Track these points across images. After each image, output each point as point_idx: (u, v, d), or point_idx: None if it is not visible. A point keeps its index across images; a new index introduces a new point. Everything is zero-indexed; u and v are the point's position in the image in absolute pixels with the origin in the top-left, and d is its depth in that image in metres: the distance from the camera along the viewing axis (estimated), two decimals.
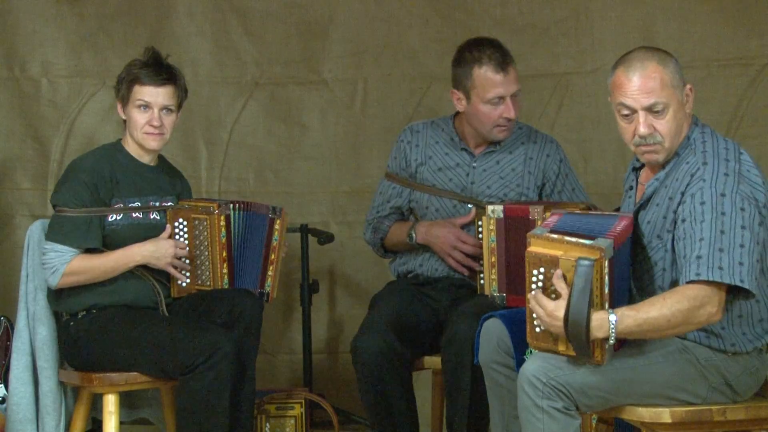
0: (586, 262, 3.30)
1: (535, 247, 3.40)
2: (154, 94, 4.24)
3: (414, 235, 4.48)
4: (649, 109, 3.50)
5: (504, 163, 4.48)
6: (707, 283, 3.34)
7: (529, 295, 3.42)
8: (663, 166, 3.59)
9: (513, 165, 4.47)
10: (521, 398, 3.42)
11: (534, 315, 3.44)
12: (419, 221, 4.53)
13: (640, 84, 3.49)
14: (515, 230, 4.17)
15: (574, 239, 3.37)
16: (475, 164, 4.49)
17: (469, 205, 4.41)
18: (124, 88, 4.27)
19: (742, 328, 3.52)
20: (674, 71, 3.53)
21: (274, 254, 4.42)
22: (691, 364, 3.49)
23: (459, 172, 4.50)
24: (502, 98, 4.36)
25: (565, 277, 3.34)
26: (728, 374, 3.51)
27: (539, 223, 4.07)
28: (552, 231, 3.43)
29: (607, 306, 3.35)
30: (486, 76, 4.36)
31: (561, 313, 3.32)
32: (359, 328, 4.32)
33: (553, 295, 3.37)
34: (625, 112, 3.53)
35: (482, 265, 4.27)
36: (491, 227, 4.20)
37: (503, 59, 4.37)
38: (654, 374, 3.46)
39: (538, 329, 3.44)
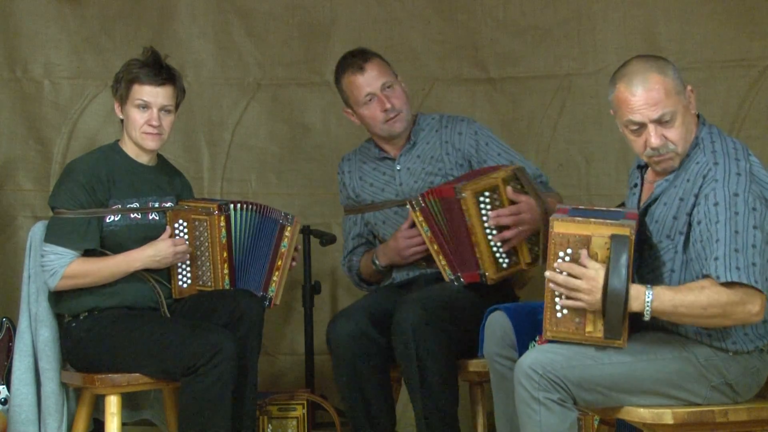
0: (622, 237, 3.31)
1: (561, 228, 3.40)
2: (154, 94, 4.25)
3: (377, 261, 4.59)
4: (658, 121, 3.50)
5: (423, 155, 4.57)
6: (744, 284, 3.34)
7: (550, 273, 3.41)
8: None
9: (431, 153, 4.56)
10: (518, 390, 3.43)
11: (557, 298, 3.43)
12: (377, 247, 4.62)
13: (645, 98, 3.49)
14: (448, 211, 4.26)
15: (600, 220, 3.38)
16: (398, 167, 4.60)
17: (407, 206, 4.46)
18: (122, 87, 4.27)
19: (744, 328, 3.52)
20: (674, 77, 3.53)
21: (281, 260, 4.42)
22: (691, 363, 3.49)
23: (387, 179, 4.61)
24: (372, 95, 4.49)
25: (596, 255, 3.35)
26: (729, 374, 3.51)
27: (463, 202, 4.18)
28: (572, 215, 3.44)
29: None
30: (349, 81, 4.52)
31: (601, 277, 3.33)
32: (335, 315, 4.39)
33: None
34: (634, 127, 3.53)
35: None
36: (420, 219, 4.32)
37: (360, 60, 4.52)
38: (652, 371, 3.46)
39: (559, 314, 3.43)
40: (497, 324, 3.77)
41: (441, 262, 4.33)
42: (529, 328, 3.61)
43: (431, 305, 4.18)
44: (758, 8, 5.07)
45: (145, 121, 4.26)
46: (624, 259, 3.31)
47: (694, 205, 3.47)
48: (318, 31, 5.42)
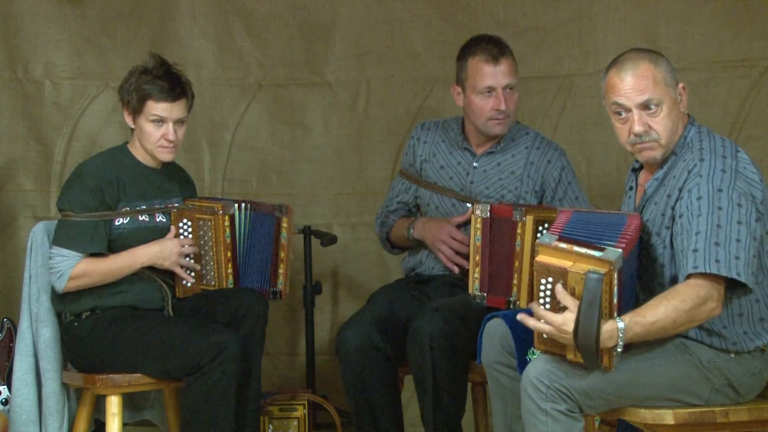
0: (596, 276, 3.27)
1: (543, 257, 3.38)
2: (169, 110, 4.23)
3: (412, 230, 4.52)
4: (644, 107, 3.52)
5: (504, 165, 4.49)
6: (705, 277, 3.35)
7: (532, 306, 3.40)
8: (661, 165, 3.60)
9: (513, 168, 4.48)
10: (524, 401, 3.42)
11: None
12: (420, 217, 4.56)
13: (633, 83, 3.52)
14: (499, 231, 4.20)
15: (583, 250, 3.34)
16: (476, 164, 4.51)
17: (468, 204, 4.42)
18: (134, 101, 4.23)
19: (743, 326, 3.53)
20: (666, 70, 3.55)
21: (284, 252, 4.43)
22: (694, 366, 3.49)
23: (459, 170, 4.52)
24: (492, 89, 4.39)
25: (573, 290, 3.32)
26: (731, 375, 3.51)
27: (520, 225, 4.10)
28: (561, 238, 3.40)
29: (615, 314, 3.35)
30: (477, 66, 4.41)
31: (570, 327, 3.31)
32: (345, 323, 4.37)
33: (560, 304, 3.36)
34: (620, 111, 3.55)
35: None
36: (477, 226, 4.23)
37: (497, 51, 4.41)
38: (657, 376, 3.46)
39: (545, 335, 3.42)
40: (496, 331, 3.76)
41: (474, 274, 4.24)
42: (527, 335, 3.59)
43: (451, 318, 4.15)
44: (759, 9, 5.07)
45: (161, 135, 4.24)
46: (596, 300, 3.27)
47: (677, 199, 3.48)
48: (319, 31, 5.42)
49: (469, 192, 4.49)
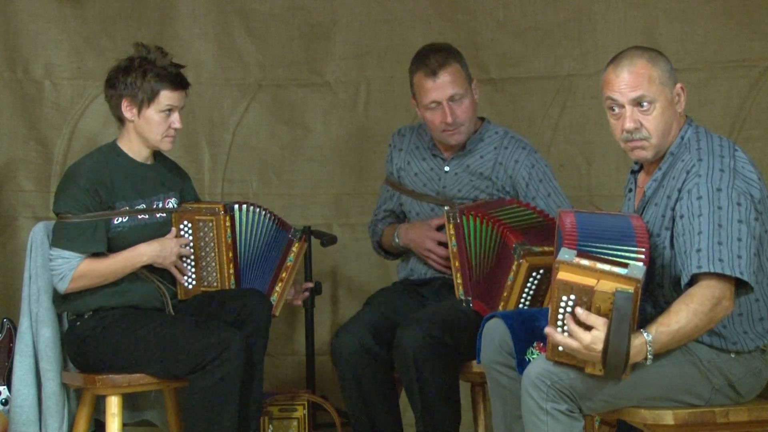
0: (624, 295, 3.25)
1: (565, 274, 3.32)
2: (179, 98, 4.27)
3: (397, 239, 4.56)
4: (636, 104, 3.53)
5: (474, 167, 4.49)
6: (717, 278, 3.35)
7: (549, 330, 3.38)
8: (659, 166, 3.60)
9: (482, 170, 4.48)
10: (525, 400, 3.42)
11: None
12: (403, 224, 4.60)
13: (627, 79, 3.53)
14: (503, 253, 4.16)
15: (607, 267, 3.30)
16: (447, 168, 4.53)
17: (445, 207, 4.42)
18: (144, 91, 4.23)
19: (743, 326, 3.53)
20: (664, 69, 3.56)
21: (285, 273, 4.44)
22: (694, 366, 3.49)
23: (432, 176, 4.54)
24: (437, 103, 4.38)
25: (599, 308, 3.29)
26: (731, 375, 3.51)
27: (515, 265, 4.05)
28: (580, 254, 3.35)
29: (635, 326, 3.33)
30: (419, 82, 4.42)
31: (598, 346, 3.30)
32: (340, 327, 4.38)
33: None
34: (613, 107, 3.56)
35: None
36: (451, 232, 4.24)
37: (435, 64, 4.37)
38: (657, 377, 3.46)
39: (561, 347, 3.41)
40: (494, 331, 3.76)
41: (457, 280, 4.26)
42: (526, 335, 3.59)
43: (433, 327, 4.14)
44: (759, 9, 5.07)
45: (168, 125, 4.26)
46: (627, 318, 3.26)
47: (677, 200, 3.49)
48: (319, 31, 5.42)
49: (444, 196, 4.50)
